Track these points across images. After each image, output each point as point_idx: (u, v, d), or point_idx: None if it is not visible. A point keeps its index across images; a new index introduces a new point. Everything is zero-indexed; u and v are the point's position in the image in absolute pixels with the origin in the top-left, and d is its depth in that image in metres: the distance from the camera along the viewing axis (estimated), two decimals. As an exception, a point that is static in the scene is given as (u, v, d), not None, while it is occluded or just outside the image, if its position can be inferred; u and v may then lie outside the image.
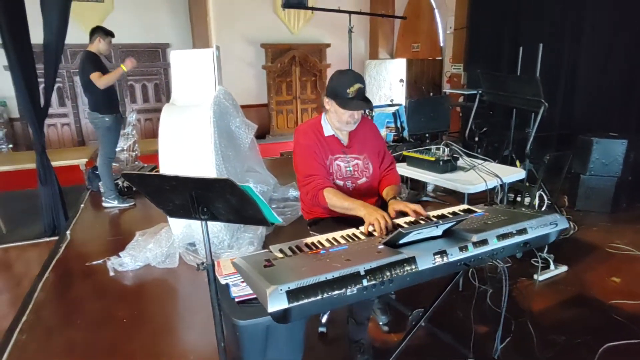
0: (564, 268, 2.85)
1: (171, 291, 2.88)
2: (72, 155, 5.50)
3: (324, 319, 2.31)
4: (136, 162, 5.58)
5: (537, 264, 2.87)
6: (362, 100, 1.99)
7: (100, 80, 3.98)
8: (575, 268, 2.88)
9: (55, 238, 3.78)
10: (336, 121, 2.07)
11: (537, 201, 3.26)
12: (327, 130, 2.11)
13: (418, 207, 1.85)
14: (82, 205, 4.56)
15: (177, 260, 3.13)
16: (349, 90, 1.96)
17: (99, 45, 4.08)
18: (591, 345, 2.12)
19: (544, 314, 2.40)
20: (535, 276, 2.75)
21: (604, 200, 3.82)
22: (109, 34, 4.12)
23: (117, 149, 5.28)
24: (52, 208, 3.90)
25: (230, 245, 3.16)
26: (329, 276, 1.31)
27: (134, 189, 4.77)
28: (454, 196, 4.36)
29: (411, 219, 1.86)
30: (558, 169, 4.29)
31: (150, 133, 8.20)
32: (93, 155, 5.53)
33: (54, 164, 3.99)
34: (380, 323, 2.30)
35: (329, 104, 2.06)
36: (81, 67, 4.09)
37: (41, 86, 3.78)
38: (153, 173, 1.49)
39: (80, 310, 2.63)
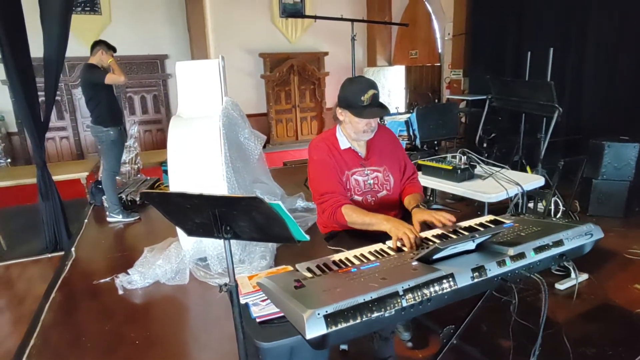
0: (585, 276, 2.79)
1: (183, 309, 2.80)
2: (72, 169, 5.40)
3: (346, 340, 2.22)
4: (139, 175, 5.51)
5: (557, 273, 2.82)
6: (378, 107, 1.91)
7: (115, 75, 3.94)
8: (596, 276, 2.82)
9: (57, 254, 3.70)
10: (352, 132, 1.98)
11: (552, 207, 3.22)
12: (343, 143, 2.02)
13: (444, 217, 1.77)
14: (86, 220, 4.46)
15: (188, 277, 3.04)
16: (363, 97, 1.88)
17: (101, 58, 4.02)
18: (624, 358, 2.06)
19: (571, 325, 2.33)
20: (557, 285, 2.69)
21: (616, 205, 3.78)
22: (111, 48, 4.07)
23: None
24: (53, 223, 3.81)
25: (241, 260, 3.08)
26: (367, 297, 1.23)
27: (138, 202, 4.69)
28: (463, 203, 4.32)
29: (438, 231, 1.79)
30: (568, 174, 4.26)
31: (150, 145, 8.13)
32: (94, 169, 5.45)
33: (54, 178, 3.91)
34: (404, 339, 2.22)
35: (342, 114, 1.98)
36: (86, 78, 4.02)
37: (40, 99, 3.71)
38: (176, 192, 1.41)
39: (90, 332, 2.54)
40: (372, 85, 1.91)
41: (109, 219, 4.36)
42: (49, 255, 3.71)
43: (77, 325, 2.62)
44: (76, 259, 3.57)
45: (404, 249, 1.64)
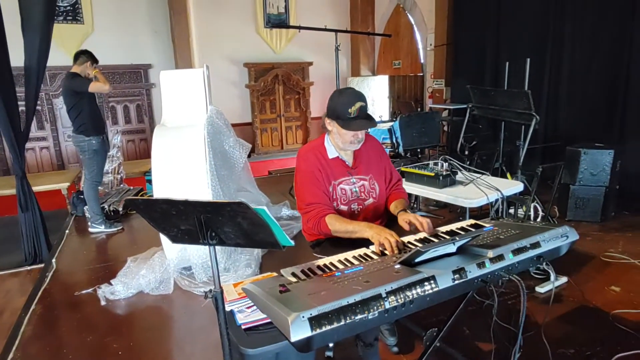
0: (564, 279, 2.86)
1: (167, 319, 2.76)
2: (53, 179, 5.32)
3: (330, 343, 2.23)
4: (121, 185, 5.45)
5: (537, 277, 2.89)
6: (365, 119, 1.96)
7: (100, 84, 3.93)
8: (575, 278, 2.89)
9: (37, 266, 3.62)
10: (340, 142, 2.03)
11: (531, 212, 3.30)
12: (331, 153, 2.07)
13: (426, 221, 1.83)
14: (67, 231, 4.38)
15: (172, 286, 3.01)
16: (350, 109, 1.92)
17: (86, 68, 4.02)
18: (602, 357, 2.11)
19: (550, 327, 2.38)
20: (538, 288, 2.75)
21: (593, 210, 3.89)
22: (95, 61, 4.08)
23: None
24: (33, 235, 3.74)
25: (226, 268, 3.06)
26: (351, 300, 1.26)
27: (121, 212, 4.64)
28: (446, 210, 4.39)
29: (420, 235, 1.83)
30: (546, 180, 4.37)
31: (132, 155, 8.05)
32: (75, 179, 5.37)
33: (35, 189, 3.86)
34: (389, 344, 2.24)
35: (330, 125, 2.02)
36: (68, 86, 3.97)
37: (20, 109, 3.66)
38: (161, 198, 1.42)
39: (71, 344, 2.48)
40: (360, 97, 1.95)
41: (91, 230, 4.28)
42: (28, 268, 3.63)
43: (58, 338, 2.57)
44: (57, 270, 3.50)
45: (387, 252, 1.67)
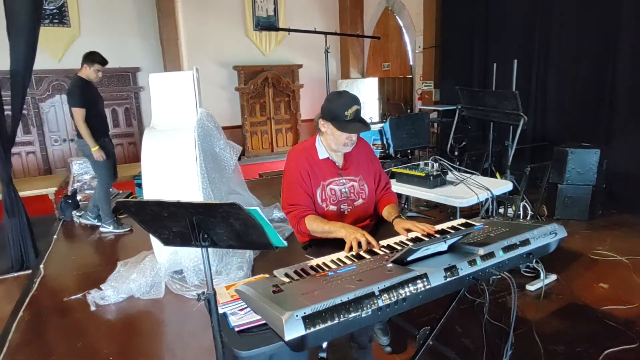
0: (553, 277, 2.90)
1: (158, 323, 2.74)
2: (40, 184, 5.24)
3: (324, 344, 2.23)
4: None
5: (528, 275, 2.92)
6: (360, 122, 1.98)
7: (80, 121, 3.90)
8: (564, 276, 2.94)
9: (24, 273, 3.56)
10: (333, 143, 2.04)
11: (521, 211, 3.34)
12: (322, 153, 2.08)
13: (427, 226, 1.83)
14: (55, 236, 4.33)
15: (163, 290, 2.98)
16: (346, 112, 1.94)
17: (87, 72, 4.04)
18: (591, 353, 2.14)
19: (541, 324, 2.41)
20: (528, 286, 2.78)
21: (581, 208, 3.95)
22: (95, 61, 4.06)
23: (89, 177, 5.13)
24: (20, 241, 3.68)
25: (218, 271, 3.05)
26: (344, 298, 1.26)
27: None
28: (436, 210, 4.42)
29: (412, 235, 1.84)
30: (535, 180, 4.43)
31: (121, 159, 7.96)
32: (62, 184, 5.30)
33: (21, 194, 3.80)
34: (382, 344, 2.25)
35: (324, 126, 2.03)
36: (67, 92, 4.01)
37: (6, 113, 3.61)
38: (152, 200, 1.41)
39: (60, 350, 2.45)
40: (356, 101, 1.98)
41: (101, 229, 4.36)
42: (15, 274, 3.57)
43: (46, 344, 2.53)
44: (45, 276, 3.45)
45: (362, 253, 1.68)
